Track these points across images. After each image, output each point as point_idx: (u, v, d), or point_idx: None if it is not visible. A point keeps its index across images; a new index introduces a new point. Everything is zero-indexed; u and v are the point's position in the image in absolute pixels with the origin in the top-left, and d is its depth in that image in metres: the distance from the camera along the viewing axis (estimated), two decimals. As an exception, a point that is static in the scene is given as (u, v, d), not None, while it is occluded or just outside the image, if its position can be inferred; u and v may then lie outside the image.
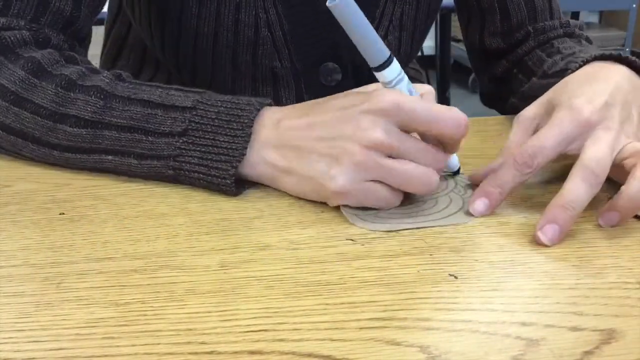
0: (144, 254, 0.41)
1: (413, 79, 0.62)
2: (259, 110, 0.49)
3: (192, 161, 0.48)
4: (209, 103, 0.49)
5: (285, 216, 0.46)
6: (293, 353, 0.32)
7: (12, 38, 0.54)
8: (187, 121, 0.48)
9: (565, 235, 0.43)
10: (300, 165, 0.46)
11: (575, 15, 4.04)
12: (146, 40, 0.73)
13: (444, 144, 0.46)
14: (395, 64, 0.46)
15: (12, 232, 0.43)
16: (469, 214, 0.46)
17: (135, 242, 0.42)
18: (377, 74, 0.46)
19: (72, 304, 0.36)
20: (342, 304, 0.36)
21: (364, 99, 0.45)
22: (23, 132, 0.52)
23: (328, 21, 0.66)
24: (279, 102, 0.70)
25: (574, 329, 0.34)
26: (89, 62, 0.57)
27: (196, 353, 0.32)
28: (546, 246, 0.42)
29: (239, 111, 0.48)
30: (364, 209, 0.46)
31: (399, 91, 0.45)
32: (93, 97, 0.50)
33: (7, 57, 0.53)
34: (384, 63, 0.45)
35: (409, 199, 0.48)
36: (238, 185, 0.49)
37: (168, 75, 0.75)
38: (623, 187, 0.43)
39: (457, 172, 0.53)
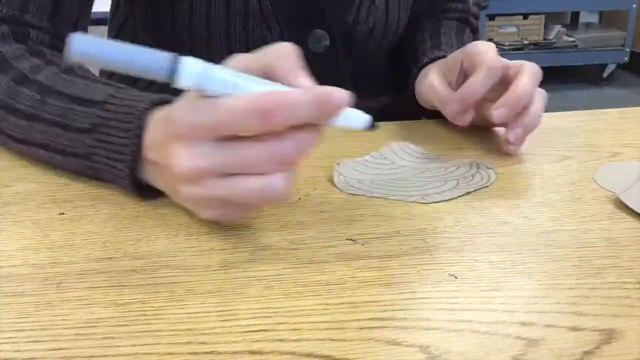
0: (144, 254, 0.41)
1: None
2: (147, 109, 0.44)
3: (101, 160, 0.47)
4: (119, 97, 0.47)
5: (285, 216, 0.46)
6: (293, 353, 0.32)
7: None
8: (95, 116, 0.46)
9: (566, 236, 0.43)
10: (171, 196, 0.44)
11: (575, 15, 4.05)
12: (145, 31, 0.74)
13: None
14: (190, 66, 0.35)
15: (12, 232, 0.43)
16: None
17: (135, 242, 0.42)
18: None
19: (72, 304, 0.36)
20: (342, 304, 0.36)
21: (168, 122, 0.40)
22: None
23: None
24: None
25: (574, 329, 0.34)
26: (58, 55, 0.57)
27: (196, 353, 0.32)
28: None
29: (136, 102, 0.45)
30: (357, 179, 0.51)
31: (197, 102, 0.37)
32: (34, 91, 0.51)
33: None
34: (170, 72, 0.35)
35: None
36: (148, 189, 0.46)
37: None
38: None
39: (373, 127, 0.42)
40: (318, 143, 0.38)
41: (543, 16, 3.63)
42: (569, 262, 0.40)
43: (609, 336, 0.33)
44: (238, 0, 0.66)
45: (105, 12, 0.84)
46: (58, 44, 0.59)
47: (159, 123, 0.43)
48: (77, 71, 0.53)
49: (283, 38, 0.69)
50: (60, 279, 0.38)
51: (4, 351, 0.32)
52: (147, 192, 0.47)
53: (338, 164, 0.54)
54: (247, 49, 0.69)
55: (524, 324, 0.34)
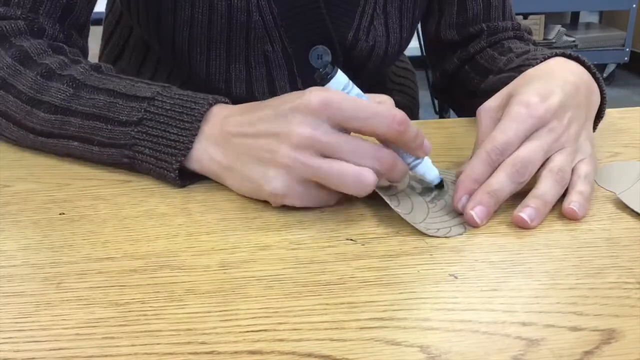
0: (144, 254, 0.41)
1: (403, 78, 0.62)
2: (211, 105, 0.49)
3: (145, 151, 0.49)
4: (167, 95, 0.50)
5: (285, 216, 0.46)
6: (293, 353, 0.32)
7: (7, 27, 0.57)
8: (142, 111, 0.49)
9: (566, 236, 0.43)
10: (241, 166, 0.47)
11: (575, 15, 4.05)
12: (145, 37, 0.74)
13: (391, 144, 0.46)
14: (339, 76, 0.45)
15: (12, 232, 0.43)
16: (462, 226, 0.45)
17: (135, 242, 0.42)
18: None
19: (72, 304, 0.36)
20: (342, 304, 0.36)
21: (297, 96, 0.44)
22: (7, 114, 0.55)
23: (316, 5, 0.67)
24: (272, 84, 0.71)
25: (574, 329, 0.34)
26: (78, 54, 0.59)
27: (196, 353, 0.32)
28: (476, 225, 0.45)
29: (192, 104, 0.49)
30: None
31: (334, 90, 0.45)
32: (65, 85, 0.53)
33: (1, 45, 0.56)
34: (324, 75, 0.45)
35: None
36: (186, 177, 0.50)
37: (167, 74, 0.75)
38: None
39: (440, 186, 0.49)
40: (400, 176, 0.46)
41: (543, 16, 3.63)
42: (569, 262, 0.40)
43: (609, 336, 0.33)
44: (240, 13, 0.65)
45: (101, 12, 0.84)
46: (70, 45, 0.60)
47: (241, 110, 0.48)
48: (104, 70, 0.55)
49: (284, 53, 0.69)
50: (60, 279, 0.38)
51: (4, 351, 0.32)
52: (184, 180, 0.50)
53: None
54: (247, 62, 0.70)
55: (524, 324, 0.34)
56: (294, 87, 0.72)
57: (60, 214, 0.46)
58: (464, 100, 0.77)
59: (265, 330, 0.33)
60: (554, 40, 3.60)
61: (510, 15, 0.77)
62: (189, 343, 0.32)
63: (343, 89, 0.45)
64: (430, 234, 0.43)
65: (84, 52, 0.64)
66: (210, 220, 0.45)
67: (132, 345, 0.32)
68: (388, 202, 0.45)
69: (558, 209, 0.47)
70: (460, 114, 0.81)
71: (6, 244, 0.42)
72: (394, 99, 0.49)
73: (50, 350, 0.32)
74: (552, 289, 0.37)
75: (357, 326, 0.34)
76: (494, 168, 0.47)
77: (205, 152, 0.48)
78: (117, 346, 0.32)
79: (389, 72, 0.89)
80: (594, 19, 4.14)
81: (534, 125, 0.48)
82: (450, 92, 0.81)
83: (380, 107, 0.44)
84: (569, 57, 0.56)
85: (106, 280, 0.38)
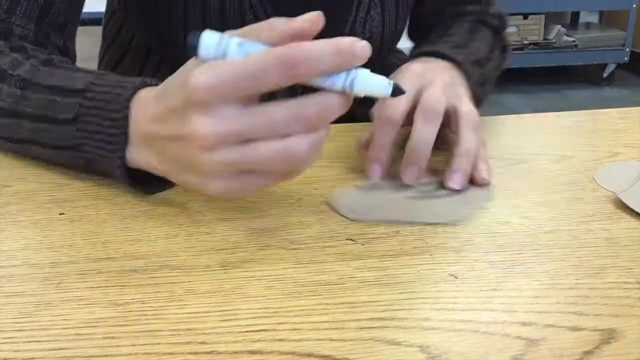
0: (144, 254, 0.41)
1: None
2: (138, 88, 0.44)
3: (90, 151, 0.46)
4: (99, 83, 0.46)
5: (285, 216, 0.46)
6: (293, 353, 0.32)
7: None
8: (77, 106, 0.45)
9: (566, 236, 0.43)
10: (176, 175, 0.42)
11: (575, 15, 4.05)
12: (147, 40, 0.74)
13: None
14: (206, 39, 0.37)
15: (12, 232, 0.43)
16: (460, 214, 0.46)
17: (135, 242, 0.42)
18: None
19: (72, 304, 0.36)
20: (342, 303, 0.36)
21: (181, 84, 0.38)
22: None
23: (307, 7, 0.67)
24: None
25: (574, 329, 0.34)
26: (41, 51, 0.57)
27: (196, 353, 0.32)
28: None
29: (120, 89, 0.44)
30: (356, 200, 0.48)
31: (210, 64, 0.37)
32: (13, 87, 0.50)
33: None
34: (191, 49, 0.37)
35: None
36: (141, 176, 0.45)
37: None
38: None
39: (396, 92, 0.39)
40: (343, 109, 0.37)
41: (543, 16, 3.62)
42: (569, 262, 0.40)
43: (609, 336, 0.33)
44: (234, 14, 0.66)
45: (100, 12, 0.83)
46: (44, 44, 0.59)
47: (153, 100, 0.42)
48: (56, 62, 0.52)
49: None
50: (60, 279, 0.38)
51: (4, 351, 0.32)
52: (139, 180, 0.46)
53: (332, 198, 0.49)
54: None
55: (524, 324, 0.34)
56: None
57: (60, 214, 0.46)
58: None
59: (265, 330, 0.33)
60: (554, 40, 3.60)
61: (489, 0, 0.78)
62: (189, 343, 0.32)
63: (216, 50, 0.37)
64: (443, 221, 0.45)
65: (64, 51, 0.62)
66: (210, 221, 0.45)
67: (132, 345, 0.32)
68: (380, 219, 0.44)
69: (561, 210, 0.47)
70: None
71: (6, 244, 0.42)
72: None
73: (50, 350, 0.32)
74: (552, 289, 0.37)
75: (357, 326, 0.34)
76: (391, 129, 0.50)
77: (137, 152, 0.44)
78: (117, 346, 0.32)
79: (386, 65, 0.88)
80: (594, 19, 4.14)
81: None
82: None
83: (265, 58, 0.36)
84: (433, 54, 0.60)
85: (106, 280, 0.38)
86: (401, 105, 0.51)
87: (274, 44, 0.37)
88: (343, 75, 0.37)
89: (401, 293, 0.37)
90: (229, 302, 0.36)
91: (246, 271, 0.39)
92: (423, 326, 0.34)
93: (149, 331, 0.33)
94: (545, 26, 3.67)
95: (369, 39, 0.73)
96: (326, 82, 0.37)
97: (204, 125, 0.37)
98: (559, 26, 3.67)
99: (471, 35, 0.70)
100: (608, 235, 0.44)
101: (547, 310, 0.35)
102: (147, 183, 0.46)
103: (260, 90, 0.37)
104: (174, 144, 0.39)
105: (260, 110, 0.37)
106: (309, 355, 0.32)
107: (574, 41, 3.65)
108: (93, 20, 0.80)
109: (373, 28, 0.72)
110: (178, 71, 0.40)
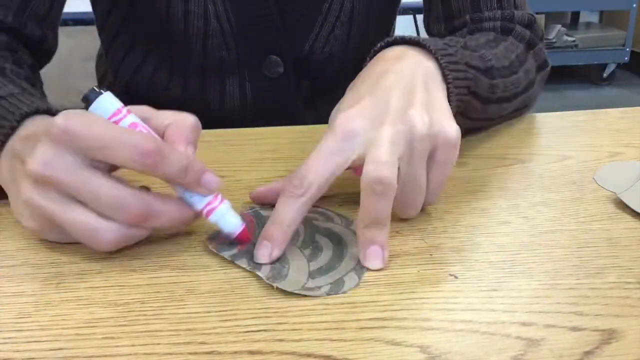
0: (144, 254, 0.41)
1: None
2: (28, 113, 0.43)
3: None
4: (17, 97, 0.45)
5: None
6: (293, 353, 0.32)
7: None
8: None
9: (566, 236, 0.43)
10: (9, 190, 0.42)
11: (576, 15, 4.05)
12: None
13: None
14: (104, 101, 0.38)
15: (12, 232, 0.43)
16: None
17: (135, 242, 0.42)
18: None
19: (72, 304, 0.36)
20: (342, 304, 0.36)
21: (50, 120, 0.38)
22: None
23: (271, 16, 0.67)
24: (224, 91, 0.72)
25: (574, 329, 0.34)
26: (6, 55, 0.56)
27: (196, 353, 0.32)
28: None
29: (24, 106, 0.44)
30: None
31: (84, 113, 0.38)
32: None
33: None
34: (86, 97, 0.39)
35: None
36: None
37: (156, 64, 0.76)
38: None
39: (240, 237, 0.41)
40: (181, 225, 0.40)
41: (543, 16, 3.62)
42: (569, 262, 0.40)
43: (609, 336, 0.33)
44: (198, 19, 0.66)
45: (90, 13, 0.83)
46: (21, 38, 0.60)
47: (37, 123, 0.43)
48: (7, 72, 0.52)
49: (239, 60, 0.70)
50: (60, 279, 0.38)
51: (4, 351, 0.32)
52: None
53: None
54: (203, 69, 0.70)
55: (524, 324, 0.34)
56: (243, 93, 0.72)
57: (60, 214, 0.46)
58: None
59: (265, 330, 0.33)
60: (554, 40, 3.60)
61: (512, 3, 0.67)
62: (189, 343, 0.32)
63: (112, 116, 0.38)
64: (316, 294, 0.37)
65: (42, 40, 0.63)
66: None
67: (132, 345, 0.32)
68: (258, 272, 0.38)
69: (561, 210, 0.47)
70: None
71: (6, 244, 0.42)
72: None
73: (50, 350, 0.32)
74: (552, 289, 0.37)
75: (357, 326, 0.34)
76: (298, 201, 0.40)
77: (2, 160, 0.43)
78: (117, 346, 0.32)
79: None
80: (594, 18, 4.14)
81: (340, 141, 0.41)
82: None
83: (127, 134, 0.37)
84: (400, 41, 0.50)
85: (106, 280, 0.38)
86: (327, 168, 0.40)
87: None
88: (207, 199, 0.40)
89: (401, 293, 0.37)
90: (229, 302, 0.36)
91: (246, 271, 0.39)
92: (423, 326, 0.34)
93: (149, 331, 0.33)
94: (546, 26, 3.67)
95: (328, 57, 0.72)
96: (187, 196, 0.40)
97: (40, 158, 0.36)
98: (559, 26, 3.67)
99: (489, 43, 0.60)
100: (608, 235, 0.44)
101: (547, 310, 0.35)
102: None
103: (109, 161, 0.37)
104: (17, 164, 0.40)
105: (95, 178, 0.37)
106: (309, 355, 0.32)
107: (574, 41, 3.65)
108: (93, 20, 0.80)
109: (334, 47, 0.71)
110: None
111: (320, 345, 0.32)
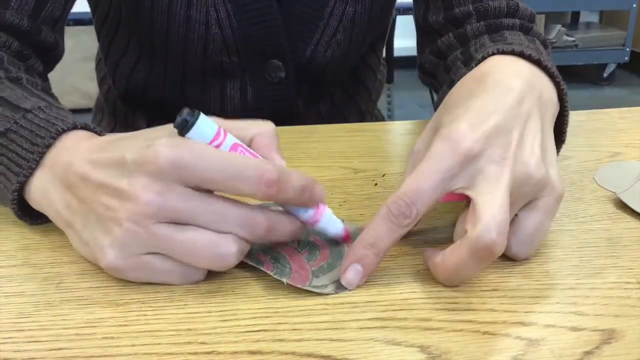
0: (144, 254, 0.41)
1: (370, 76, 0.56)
2: (74, 127, 0.42)
3: (0, 168, 0.42)
4: (46, 111, 0.43)
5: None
6: (293, 353, 0.32)
7: None
8: (12, 121, 0.42)
9: (566, 236, 0.43)
10: (81, 224, 0.38)
11: (576, 14, 4.05)
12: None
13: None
14: (203, 124, 0.36)
15: (12, 232, 0.43)
16: (341, 285, 0.37)
17: (135, 242, 0.42)
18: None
19: (72, 304, 0.36)
20: (342, 304, 0.36)
21: (145, 144, 0.35)
22: None
23: (273, 22, 0.67)
24: (224, 94, 0.72)
25: (574, 329, 0.34)
26: (19, 66, 0.55)
27: (196, 353, 0.32)
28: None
29: (59, 122, 0.42)
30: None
31: (188, 141, 0.35)
32: None
33: None
34: (182, 124, 0.36)
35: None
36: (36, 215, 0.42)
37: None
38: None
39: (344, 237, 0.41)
40: (292, 237, 0.38)
41: (543, 16, 3.63)
42: (569, 262, 0.40)
43: (609, 336, 0.33)
44: (199, 25, 0.66)
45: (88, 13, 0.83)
46: (34, 44, 0.58)
47: (99, 145, 0.39)
48: (24, 82, 0.50)
49: (240, 66, 0.70)
50: (60, 279, 0.38)
51: (4, 351, 0.32)
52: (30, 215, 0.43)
53: None
54: (203, 73, 0.70)
55: (524, 324, 0.34)
56: (244, 97, 0.72)
57: (60, 214, 0.46)
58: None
59: (265, 330, 0.33)
60: (554, 40, 3.60)
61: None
62: (189, 343, 0.32)
63: (213, 140, 0.36)
64: (325, 292, 0.37)
65: (54, 47, 0.62)
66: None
67: (132, 345, 0.32)
68: (262, 268, 0.38)
69: (561, 210, 0.47)
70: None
71: (6, 244, 0.42)
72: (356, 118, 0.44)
73: (50, 350, 0.32)
74: (552, 289, 0.37)
75: (357, 326, 0.34)
76: (400, 227, 0.37)
77: (43, 185, 0.40)
78: (117, 346, 0.32)
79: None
80: (594, 18, 4.14)
81: (460, 164, 0.37)
82: (436, 73, 0.68)
83: (247, 164, 0.35)
84: (513, 53, 0.46)
85: (106, 280, 0.38)
86: (426, 195, 0.37)
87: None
88: (311, 210, 0.39)
89: (401, 293, 0.37)
90: (229, 302, 0.36)
91: (246, 271, 0.39)
92: (423, 326, 0.34)
93: (149, 331, 0.33)
94: (546, 26, 3.67)
95: (329, 62, 0.72)
96: (291, 207, 0.39)
97: (148, 193, 0.34)
98: (559, 26, 3.68)
99: (528, 38, 0.57)
100: (608, 235, 0.44)
101: (547, 310, 0.35)
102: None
103: (230, 193, 0.36)
104: (105, 197, 0.36)
105: (210, 199, 0.35)
106: (309, 355, 0.32)
107: (574, 41, 3.65)
108: (92, 20, 0.80)
109: (336, 52, 0.71)
110: (141, 131, 0.39)
111: (320, 345, 0.32)
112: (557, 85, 0.46)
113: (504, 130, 0.38)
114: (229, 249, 0.35)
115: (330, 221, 0.40)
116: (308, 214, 0.39)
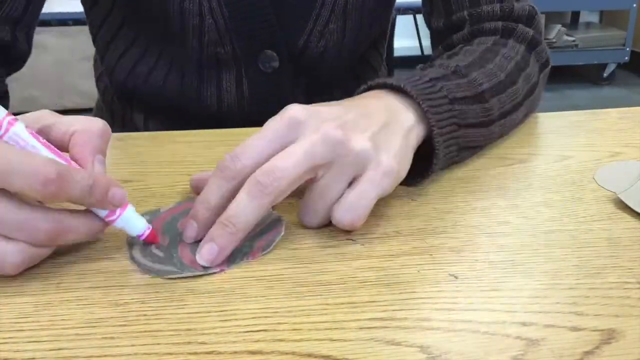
0: (143, 254, 0.41)
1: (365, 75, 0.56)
2: None
3: None
4: None
5: (285, 216, 0.46)
6: (293, 353, 0.32)
7: None
8: None
9: (566, 236, 0.43)
10: None
11: (576, 14, 4.05)
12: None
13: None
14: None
15: (12, 232, 0.43)
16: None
17: (135, 242, 0.42)
18: None
19: (72, 304, 0.36)
20: (342, 303, 0.36)
21: None
22: None
23: (264, 10, 0.67)
24: (220, 87, 0.72)
25: (574, 329, 0.34)
26: None
27: (196, 353, 0.32)
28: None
29: None
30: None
31: None
32: None
33: None
34: None
35: None
36: None
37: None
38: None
39: (147, 239, 0.41)
40: (90, 237, 0.39)
41: (543, 16, 3.62)
42: (569, 262, 0.40)
43: (609, 336, 0.33)
44: (193, 17, 0.66)
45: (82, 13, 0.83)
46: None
47: None
48: None
49: (235, 55, 0.70)
50: (60, 279, 0.38)
51: (4, 351, 0.32)
52: None
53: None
54: (199, 66, 0.70)
55: (524, 324, 0.34)
56: (240, 89, 0.72)
57: (60, 214, 0.46)
58: None
59: (265, 330, 0.33)
60: (554, 40, 3.60)
61: None
62: (189, 343, 0.32)
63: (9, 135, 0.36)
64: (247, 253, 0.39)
65: (11, 45, 0.61)
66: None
67: (132, 345, 0.32)
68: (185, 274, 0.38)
69: (561, 210, 0.47)
70: None
71: (6, 244, 0.42)
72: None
73: (50, 350, 0.32)
74: (552, 289, 0.37)
75: (357, 326, 0.34)
76: (228, 179, 0.40)
77: None
78: (117, 346, 0.32)
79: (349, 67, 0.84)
80: (594, 18, 4.14)
81: (285, 126, 0.41)
82: None
83: (22, 159, 0.34)
84: (394, 88, 0.49)
85: (106, 280, 0.38)
86: (253, 156, 0.40)
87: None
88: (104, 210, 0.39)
89: (401, 293, 0.37)
90: (229, 302, 0.36)
91: (246, 271, 0.39)
92: (423, 326, 0.34)
93: (149, 331, 0.33)
94: (546, 26, 3.67)
95: (323, 52, 0.73)
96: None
97: None
98: (559, 26, 3.68)
99: (485, 55, 0.59)
100: (608, 235, 0.44)
101: (547, 310, 0.35)
102: None
103: (8, 189, 0.34)
104: None
105: (16, 208, 0.35)
106: (309, 355, 0.32)
107: (574, 41, 3.66)
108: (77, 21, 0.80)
109: (329, 42, 0.71)
110: None
111: (320, 345, 0.32)
112: (424, 110, 0.48)
113: (337, 113, 0.43)
114: (10, 260, 0.35)
115: (130, 220, 0.40)
116: (102, 213, 0.39)
